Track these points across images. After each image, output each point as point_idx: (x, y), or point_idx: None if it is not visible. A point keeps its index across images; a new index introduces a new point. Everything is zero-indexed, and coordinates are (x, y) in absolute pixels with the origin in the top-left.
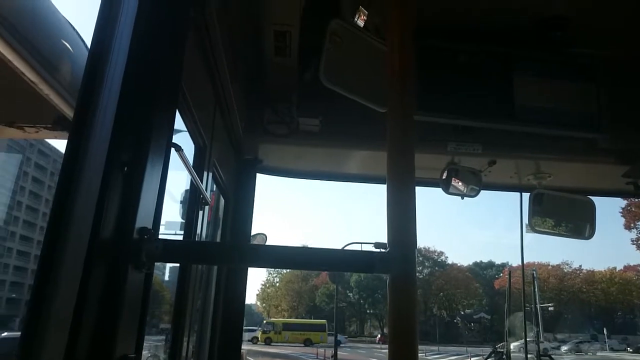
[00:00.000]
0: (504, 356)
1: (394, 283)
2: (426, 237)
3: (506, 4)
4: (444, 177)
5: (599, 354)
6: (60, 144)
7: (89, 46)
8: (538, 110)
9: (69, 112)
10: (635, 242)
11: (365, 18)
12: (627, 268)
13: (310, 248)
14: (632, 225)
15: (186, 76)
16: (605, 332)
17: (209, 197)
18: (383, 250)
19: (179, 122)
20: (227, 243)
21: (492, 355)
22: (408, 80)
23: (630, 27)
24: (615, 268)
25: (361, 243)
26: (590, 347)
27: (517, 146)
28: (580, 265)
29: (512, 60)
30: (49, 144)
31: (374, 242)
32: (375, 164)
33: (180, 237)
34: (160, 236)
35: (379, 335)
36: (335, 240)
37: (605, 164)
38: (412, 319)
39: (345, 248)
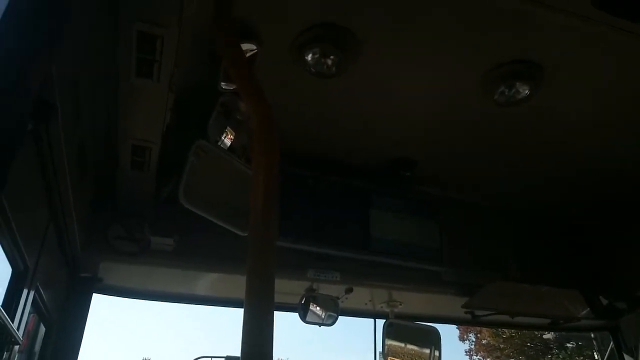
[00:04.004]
0: None
1: None
2: (280, 349)
3: (364, 144)
4: (302, 303)
5: None
6: None
7: None
8: (390, 242)
9: None
10: (467, 353)
11: (232, 138)
12: None
13: None
14: (465, 337)
15: (11, 184)
16: None
17: (21, 335)
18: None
19: None
20: None
21: None
22: (271, 206)
23: (467, 173)
24: None
25: (212, 357)
26: None
27: (372, 275)
28: None
29: (369, 195)
30: None
31: (225, 355)
32: (231, 287)
33: None
34: None
35: None
36: (185, 356)
37: (447, 294)
38: None
39: None
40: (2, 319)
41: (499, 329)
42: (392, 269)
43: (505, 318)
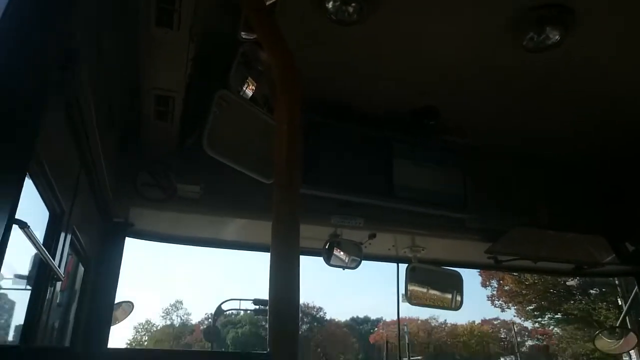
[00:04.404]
0: None
1: None
2: (306, 293)
3: (387, 92)
4: (326, 248)
5: None
6: None
7: None
8: (413, 190)
9: None
10: (489, 298)
11: (254, 88)
12: (484, 322)
13: (180, 351)
14: (487, 283)
15: (43, 134)
16: None
17: (62, 271)
18: (263, 352)
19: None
20: (77, 354)
21: None
22: (294, 155)
23: (493, 120)
24: (474, 322)
25: (240, 300)
26: None
27: (395, 221)
28: (446, 320)
29: (392, 143)
30: None
31: (253, 298)
32: (257, 232)
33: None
34: None
35: None
36: (214, 298)
37: (471, 240)
38: None
39: (223, 305)
40: (44, 257)
41: (522, 276)
42: (415, 216)
43: (528, 263)
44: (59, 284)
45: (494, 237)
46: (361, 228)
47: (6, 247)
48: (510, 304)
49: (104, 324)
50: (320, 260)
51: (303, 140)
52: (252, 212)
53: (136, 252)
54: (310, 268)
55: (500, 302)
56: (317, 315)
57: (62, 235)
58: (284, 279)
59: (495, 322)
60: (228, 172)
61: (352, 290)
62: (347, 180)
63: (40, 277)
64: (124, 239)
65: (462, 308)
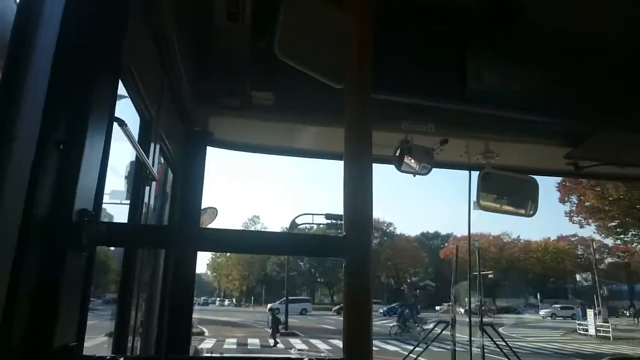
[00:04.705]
0: (450, 325)
1: (349, 267)
2: (376, 209)
3: None
4: (397, 155)
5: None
6: None
7: (16, 3)
8: (489, 92)
9: None
10: (568, 215)
11: None
12: (560, 238)
13: (265, 232)
14: (566, 198)
15: (129, 43)
16: (538, 297)
17: (155, 172)
18: (339, 234)
19: (121, 92)
20: (176, 226)
21: (437, 325)
22: (366, 57)
23: (579, 15)
24: (549, 238)
25: (312, 214)
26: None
27: (467, 126)
28: (519, 236)
29: (466, 43)
30: None
31: (325, 213)
32: (330, 140)
33: (125, 215)
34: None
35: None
36: (287, 213)
37: (549, 145)
38: (367, 303)
39: (297, 219)
40: (140, 155)
41: (605, 192)
42: (489, 120)
43: (612, 169)
44: (153, 185)
45: (576, 142)
46: (432, 134)
47: (110, 140)
48: (590, 220)
49: (193, 226)
50: (391, 173)
51: (374, 42)
52: (325, 119)
53: (217, 165)
54: (382, 181)
55: (579, 218)
56: (387, 230)
57: (152, 140)
58: (358, 185)
59: (572, 239)
60: (300, 77)
61: (422, 204)
62: (419, 83)
63: (138, 176)
64: (205, 148)
65: (537, 225)
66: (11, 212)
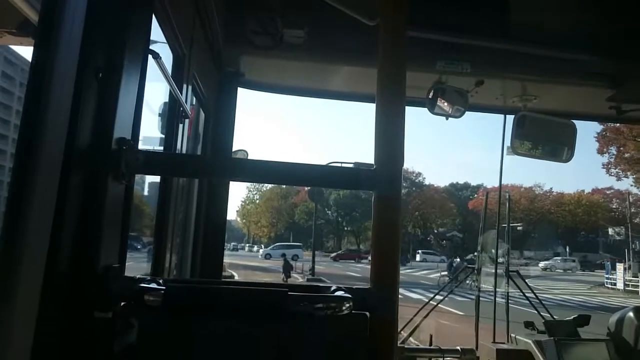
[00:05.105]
0: (475, 271)
1: (379, 200)
2: (405, 158)
3: None
4: (430, 96)
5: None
6: (26, 51)
7: None
8: (532, 30)
9: (33, 16)
10: (605, 167)
11: None
12: (595, 191)
13: (295, 163)
14: (605, 150)
15: None
16: (567, 250)
17: (188, 110)
18: (370, 169)
19: (155, 30)
20: (210, 156)
21: (463, 270)
22: None
23: None
24: (583, 191)
25: (342, 163)
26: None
27: (506, 66)
28: (551, 188)
29: None
30: (15, 51)
31: (354, 161)
32: (362, 81)
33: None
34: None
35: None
36: (315, 160)
37: (591, 87)
38: (396, 237)
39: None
40: (173, 90)
41: None
42: (528, 59)
43: None
44: (186, 123)
45: (620, 83)
46: (468, 74)
47: (145, 71)
48: (628, 173)
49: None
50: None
51: None
52: (357, 59)
53: (249, 109)
54: (412, 129)
55: (617, 170)
56: (416, 180)
57: (185, 77)
58: (390, 125)
59: (607, 192)
60: (333, 15)
61: (453, 154)
62: (454, 19)
63: (171, 112)
64: (237, 89)
65: (572, 178)
66: (56, 139)
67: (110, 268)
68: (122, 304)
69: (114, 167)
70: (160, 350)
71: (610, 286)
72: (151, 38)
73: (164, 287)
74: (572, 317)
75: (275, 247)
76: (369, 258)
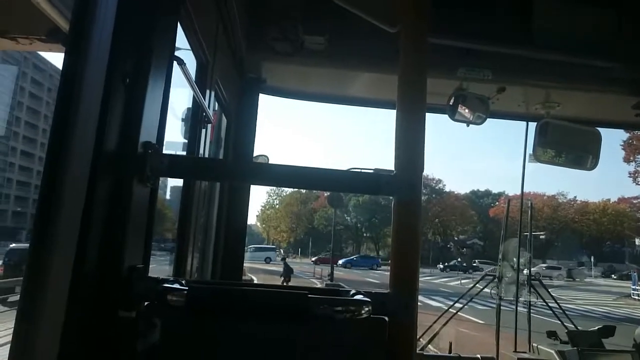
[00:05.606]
0: (496, 279)
1: (398, 205)
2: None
3: None
4: (451, 103)
5: (586, 280)
6: (54, 57)
7: None
8: (555, 36)
9: (63, 24)
10: (632, 175)
11: None
12: (621, 200)
13: (316, 168)
14: (631, 158)
15: None
16: (592, 260)
17: (211, 115)
18: (389, 174)
19: (179, 37)
20: (232, 161)
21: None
22: None
23: None
24: (609, 200)
25: (361, 169)
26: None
27: (528, 73)
28: (575, 196)
29: None
30: (44, 58)
31: (374, 168)
32: (383, 88)
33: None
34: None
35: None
36: (335, 166)
37: (616, 94)
38: (416, 242)
39: None
40: (196, 95)
41: None
42: (551, 66)
43: None
44: (209, 128)
45: None
46: (489, 81)
47: (171, 77)
48: None
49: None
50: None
51: None
52: (378, 65)
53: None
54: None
55: None
56: (436, 187)
57: (208, 83)
58: (410, 130)
59: (634, 201)
60: (354, 22)
61: (474, 162)
62: (476, 26)
63: (195, 117)
64: (258, 95)
65: (596, 187)
66: (85, 143)
67: (135, 269)
68: (146, 303)
69: (139, 170)
70: (182, 349)
71: (637, 297)
72: (176, 45)
73: (186, 288)
74: (596, 328)
75: (250, 249)
76: (339, 263)
